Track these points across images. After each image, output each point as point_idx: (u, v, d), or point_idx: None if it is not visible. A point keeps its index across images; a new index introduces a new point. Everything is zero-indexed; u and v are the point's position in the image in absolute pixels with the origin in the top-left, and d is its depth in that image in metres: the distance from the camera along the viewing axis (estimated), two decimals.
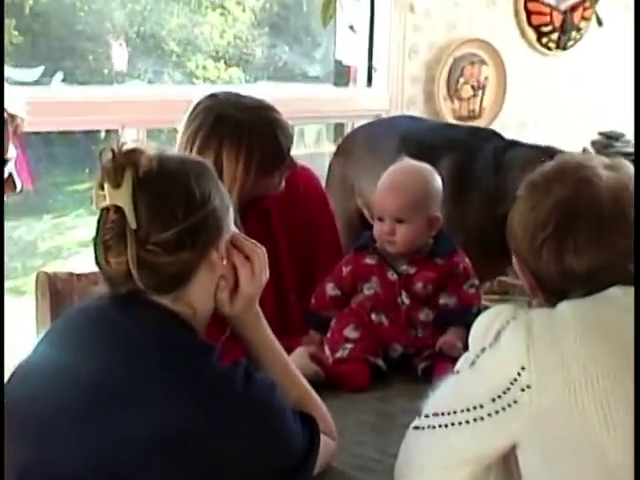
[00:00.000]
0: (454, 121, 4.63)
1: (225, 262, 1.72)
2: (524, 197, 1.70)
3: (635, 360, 1.50)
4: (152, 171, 1.62)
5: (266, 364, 1.78)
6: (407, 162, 2.45)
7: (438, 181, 2.43)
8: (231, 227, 1.75)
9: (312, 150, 4.85)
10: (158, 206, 1.63)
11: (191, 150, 2.38)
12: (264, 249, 1.78)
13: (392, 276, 2.41)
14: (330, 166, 3.80)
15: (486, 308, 1.74)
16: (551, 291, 1.68)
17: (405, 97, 4.58)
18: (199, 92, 2.58)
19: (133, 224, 1.61)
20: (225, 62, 4.81)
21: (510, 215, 1.71)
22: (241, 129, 2.37)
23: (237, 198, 2.32)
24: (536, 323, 1.58)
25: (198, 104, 2.45)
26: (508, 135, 3.58)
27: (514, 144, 3.33)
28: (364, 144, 3.65)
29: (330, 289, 2.45)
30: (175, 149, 2.43)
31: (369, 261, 2.44)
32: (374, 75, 4.58)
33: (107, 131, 4.33)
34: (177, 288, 1.67)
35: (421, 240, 2.41)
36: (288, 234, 2.58)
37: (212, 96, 2.48)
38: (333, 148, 4.08)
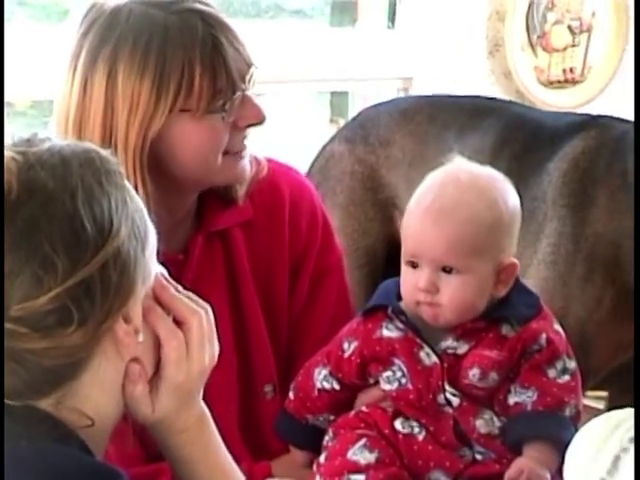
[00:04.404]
0: (539, 86, 3.87)
1: (141, 336, 1.41)
2: None
3: (635, 360, 1.51)
4: (10, 192, 1.35)
5: None
6: (461, 168, 1.93)
7: (515, 201, 1.93)
8: (152, 270, 1.44)
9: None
10: (20, 255, 1.34)
11: (72, 85, 1.77)
12: (208, 308, 1.48)
13: (429, 358, 1.88)
14: (327, 157, 2.87)
15: (598, 414, 1.54)
16: None
17: (453, 46, 3.69)
18: None
19: None
20: None
21: None
22: (149, 28, 1.77)
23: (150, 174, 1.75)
24: None
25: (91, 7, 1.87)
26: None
27: None
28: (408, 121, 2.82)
29: (321, 378, 1.93)
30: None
31: (389, 333, 1.90)
32: (399, 8, 3.74)
33: None
34: (58, 388, 1.39)
35: (483, 303, 1.88)
36: (260, 278, 2.00)
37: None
38: (328, 134, 3.04)
